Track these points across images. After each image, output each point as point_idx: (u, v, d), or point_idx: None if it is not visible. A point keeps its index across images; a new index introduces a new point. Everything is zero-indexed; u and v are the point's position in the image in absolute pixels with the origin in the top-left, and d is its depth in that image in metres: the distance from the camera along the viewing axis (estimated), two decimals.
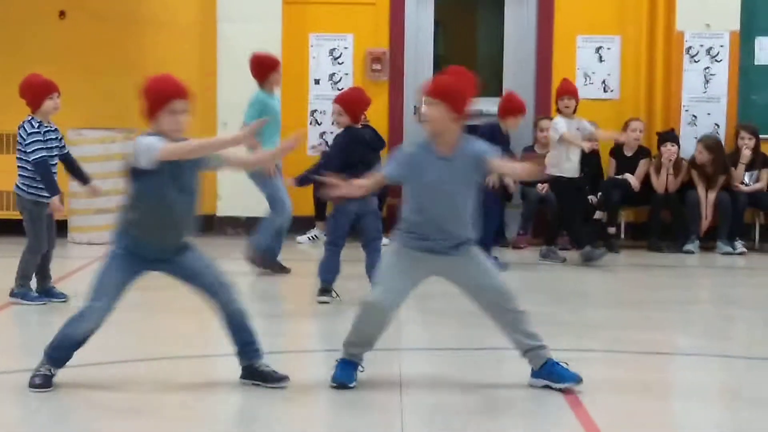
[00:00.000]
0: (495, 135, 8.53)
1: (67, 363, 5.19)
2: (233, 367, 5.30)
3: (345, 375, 5.22)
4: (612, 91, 11.41)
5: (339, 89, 11.31)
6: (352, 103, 7.88)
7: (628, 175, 10.79)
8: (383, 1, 11.36)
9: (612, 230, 10.69)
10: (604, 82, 11.40)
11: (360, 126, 7.97)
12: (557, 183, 9.80)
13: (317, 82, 11.44)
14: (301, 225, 10.97)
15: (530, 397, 5.34)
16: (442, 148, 5.17)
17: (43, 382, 5.10)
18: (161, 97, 5.00)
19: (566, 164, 9.69)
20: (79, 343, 5.15)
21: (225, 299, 5.17)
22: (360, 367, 5.27)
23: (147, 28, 11.22)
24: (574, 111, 9.78)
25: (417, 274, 5.23)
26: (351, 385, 5.21)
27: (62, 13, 11.21)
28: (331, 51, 11.37)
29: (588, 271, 9.55)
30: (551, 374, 5.25)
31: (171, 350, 6.17)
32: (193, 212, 5.12)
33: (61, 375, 5.21)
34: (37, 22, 11.05)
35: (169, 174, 4.94)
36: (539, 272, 9.56)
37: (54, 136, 7.34)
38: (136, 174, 4.99)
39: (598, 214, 10.80)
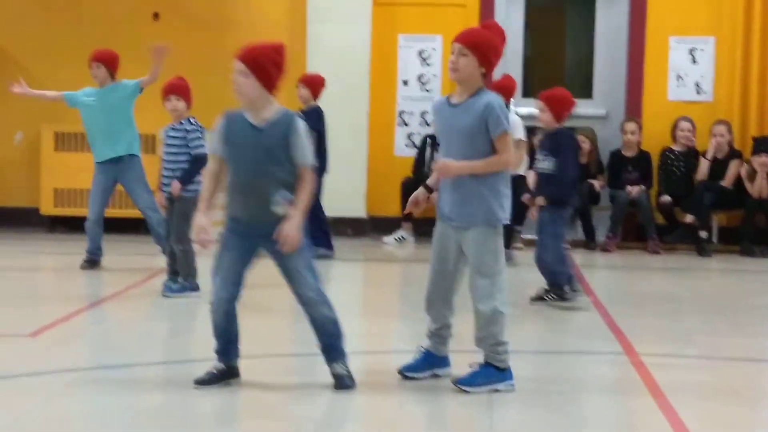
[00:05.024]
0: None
1: (234, 352, 5.14)
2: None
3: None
4: (705, 93, 11.21)
5: (427, 90, 11.34)
6: (556, 100, 7.45)
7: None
8: (473, 3, 11.32)
9: (704, 234, 10.50)
10: (697, 84, 11.21)
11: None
12: None
13: (405, 83, 11.45)
14: (388, 226, 11.00)
15: (619, 400, 5.27)
16: (458, 98, 5.14)
17: (204, 378, 5.07)
18: None
19: None
20: (219, 331, 5.08)
21: (301, 295, 5.08)
22: None
23: (238, 30, 11.33)
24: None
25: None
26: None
27: (156, 15, 11.40)
28: (420, 52, 11.37)
29: (679, 276, 9.42)
30: None
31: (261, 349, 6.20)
32: (265, 186, 4.93)
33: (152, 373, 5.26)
34: (131, 23, 11.26)
35: (231, 147, 5.00)
36: (629, 277, 9.45)
37: (171, 134, 7.65)
38: None
39: (689, 218, 10.63)
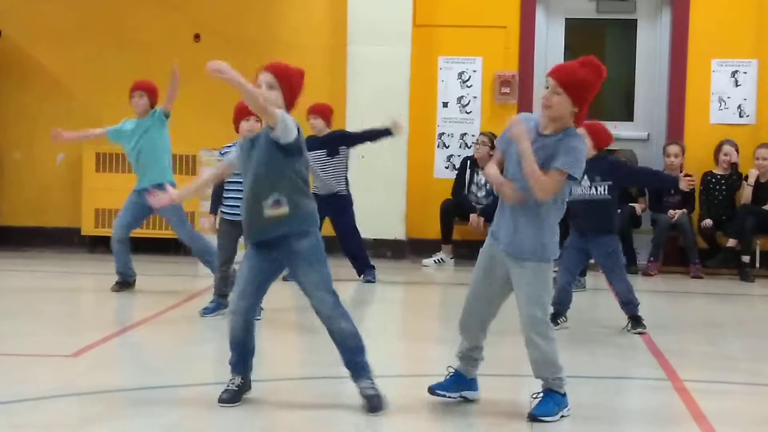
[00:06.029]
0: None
1: (249, 365, 5.24)
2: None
3: None
4: (748, 116, 11.12)
5: (467, 112, 11.33)
6: (597, 131, 7.31)
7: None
8: (513, 25, 11.31)
9: (746, 259, 10.39)
10: (739, 107, 11.12)
11: None
12: None
13: (445, 105, 11.44)
14: (427, 248, 10.97)
15: (664, 427, 5.21)
16: (549, 130, 5.01)
17: (227, 397, 5.15)
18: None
19: None
20: (236, 342, 5.18)
21: (318, 310, 5.14)
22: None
23: (278, 52, 11.35)
24: None
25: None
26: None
27: (197, 37, 11.49)
28: (460, 74, 11.36)
29: (721, 302, 9.32)
30: None
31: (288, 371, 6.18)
32: (259, 197, 5.06)
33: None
34: (172, 45, 11.33)
35: (242, 160, 5.18)
36: (672, 301, 9.36)
37: None
38: None
39: (731, 242, 10.52)
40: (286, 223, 5.06)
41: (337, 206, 9.34)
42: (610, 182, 7.30)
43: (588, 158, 7.27)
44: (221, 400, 5.14)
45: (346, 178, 9.49)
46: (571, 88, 4.91)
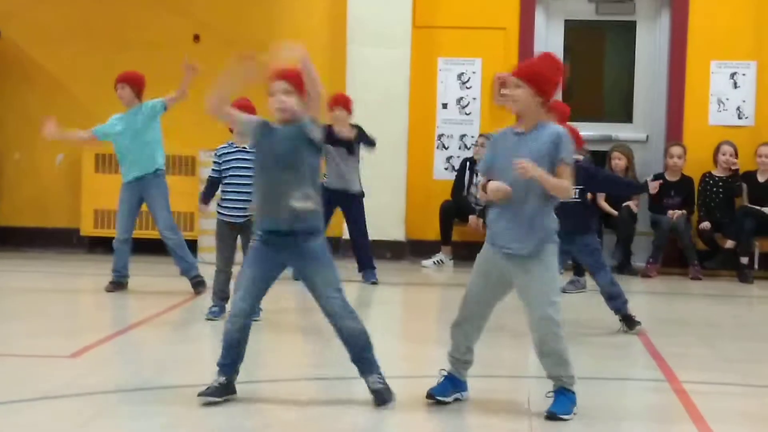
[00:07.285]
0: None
1: (238, 369, 5.24)
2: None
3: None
4: (747, 117, 11.14)
5: (466, 114, 11.34)
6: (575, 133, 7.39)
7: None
8: (513, 26, 11.33)
9: (744, 260, 10.40)
10: (738, 108, 11.13)
11: None
12: None
13: (445, 106, 11.45)
14: (426, 249, 10.98)
15: (662, 428, 5.22)
16: (522, 127, 5.15)
17: (210, 391, 5.16)
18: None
19: None
20: (231, 344, 5.19)
21: (326, 309, 5.17)
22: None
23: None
24: None
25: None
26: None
27: (196, 37, 11.51)
28: (460, 75, 11.37)
29: (720, 303, 9.33)
30: None
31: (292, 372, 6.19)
32: (286, 189, 5.09)
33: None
34: (172, 46, 11.35)
35: (262, 147, 5.22)
36: (670, 303, 9.36)
37: (244, 156, 7.41)
38: None
39: (729, 243, 10.53)
40: (307, 219, 5.10)
41: (355, 203, 9.43)
42: (581, 187, 7.33)
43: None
44: (202, 393, 5.12)
45: (359, 177, 9.55)
46: (529, 80, 5.03)
